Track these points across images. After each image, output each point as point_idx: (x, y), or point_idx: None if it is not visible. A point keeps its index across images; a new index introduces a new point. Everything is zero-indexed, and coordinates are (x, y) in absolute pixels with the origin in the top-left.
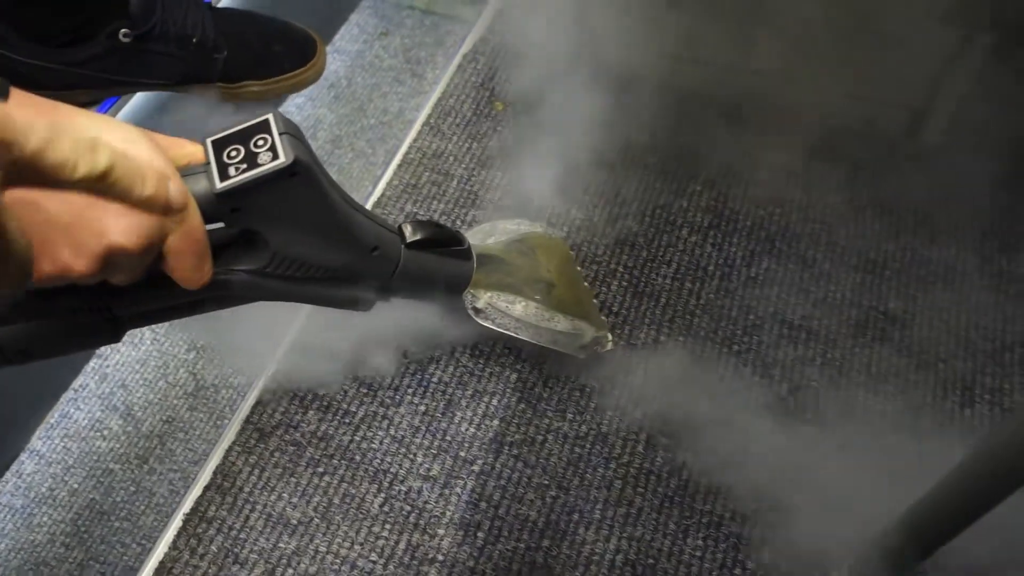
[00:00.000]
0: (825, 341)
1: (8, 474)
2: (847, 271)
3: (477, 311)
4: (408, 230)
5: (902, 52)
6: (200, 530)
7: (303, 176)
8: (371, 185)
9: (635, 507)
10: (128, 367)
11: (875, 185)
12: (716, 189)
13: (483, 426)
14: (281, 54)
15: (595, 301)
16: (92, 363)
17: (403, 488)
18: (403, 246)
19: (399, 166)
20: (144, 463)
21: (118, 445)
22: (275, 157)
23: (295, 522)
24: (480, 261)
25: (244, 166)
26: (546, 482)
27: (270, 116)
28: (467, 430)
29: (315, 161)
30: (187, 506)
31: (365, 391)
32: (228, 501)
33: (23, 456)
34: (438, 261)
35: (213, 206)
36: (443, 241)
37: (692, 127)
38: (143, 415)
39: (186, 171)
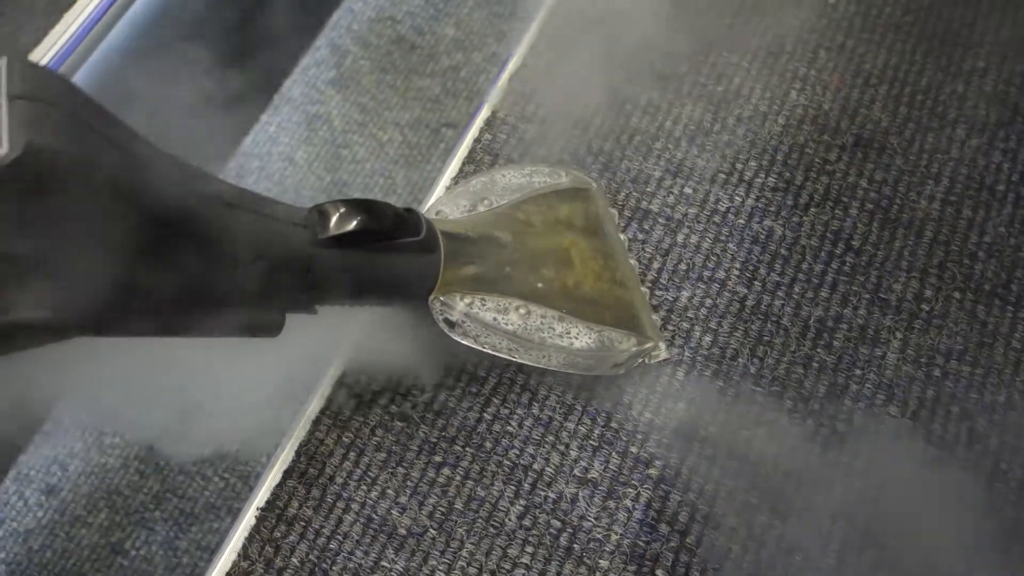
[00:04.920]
0: None
1: None
2: None
3: (451, 325)
4: (324, 220)
5: None
6: (278, 534)
7: (56, 170)
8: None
9: (888, 553)
10: None
11: None
12: (1008, 68)
13: (663, 411)
14: None
15: (644, 290)
16: None
17: (551, 494)
18: (314, 244)
19: None
20: None
21: None
22: None
23: (404, 532)
24: (455, 248)
25: None
26: (754, 501)
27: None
28: (640, 415)
29: (97, 132)
30: (262, 497)
31: None
32: (315, 496)
33: None
34: (375, 260)
35: None
36: (381, 232)
37: None
38: None
39: None
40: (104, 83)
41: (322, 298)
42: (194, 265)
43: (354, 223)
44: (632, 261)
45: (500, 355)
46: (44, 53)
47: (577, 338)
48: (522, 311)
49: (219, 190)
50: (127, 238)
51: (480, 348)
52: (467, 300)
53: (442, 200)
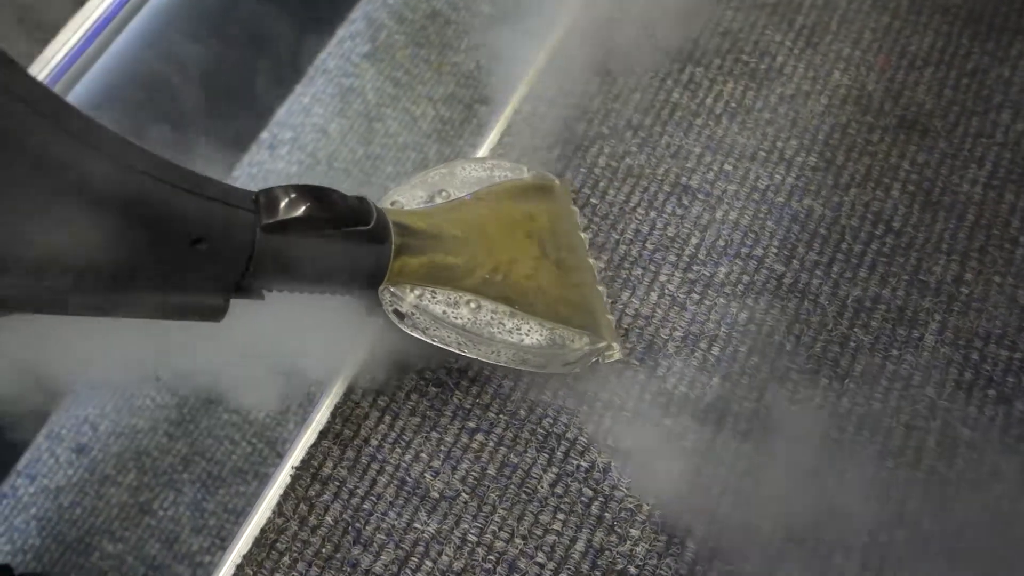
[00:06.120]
0: None
1: None
2: None
3: (400, 316)
4: (272, 204)
5: None
6: (313, 492)
7: None
8: None
9: (921, 532)
10: None
11: None
12: None
13: (698, 384)
14: None
15: (601, 289)
16: None
17: (583, 463)
18: (259, 228)
19: None
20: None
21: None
22: None
23: (436, 495)
24: (407, 239)
25: None
26: (787, 477)
27: None
28: (675, 388)
29: (27, 101)
30: (296, 457)
31: None
32: (349, 457)
33: None
34: (322, 248)
35: None
36: (329, 219)
37: None
38: None
39: None
40: (139, 55)
41: (267, 284)
42: (127, 244)
43: (302, 209)
44: (591, 260)
45: (449, 349)
46: (93, 10)
47: (528, 335)
48: (472, 305)
49: (162, 171)
50: (49, 213)
51: (429, 341)
52: (417, 292)
53: (399, 190)
